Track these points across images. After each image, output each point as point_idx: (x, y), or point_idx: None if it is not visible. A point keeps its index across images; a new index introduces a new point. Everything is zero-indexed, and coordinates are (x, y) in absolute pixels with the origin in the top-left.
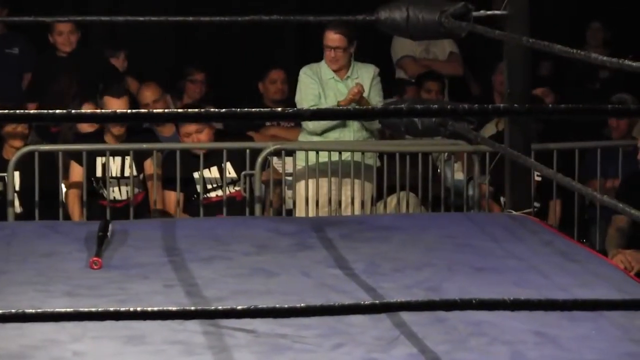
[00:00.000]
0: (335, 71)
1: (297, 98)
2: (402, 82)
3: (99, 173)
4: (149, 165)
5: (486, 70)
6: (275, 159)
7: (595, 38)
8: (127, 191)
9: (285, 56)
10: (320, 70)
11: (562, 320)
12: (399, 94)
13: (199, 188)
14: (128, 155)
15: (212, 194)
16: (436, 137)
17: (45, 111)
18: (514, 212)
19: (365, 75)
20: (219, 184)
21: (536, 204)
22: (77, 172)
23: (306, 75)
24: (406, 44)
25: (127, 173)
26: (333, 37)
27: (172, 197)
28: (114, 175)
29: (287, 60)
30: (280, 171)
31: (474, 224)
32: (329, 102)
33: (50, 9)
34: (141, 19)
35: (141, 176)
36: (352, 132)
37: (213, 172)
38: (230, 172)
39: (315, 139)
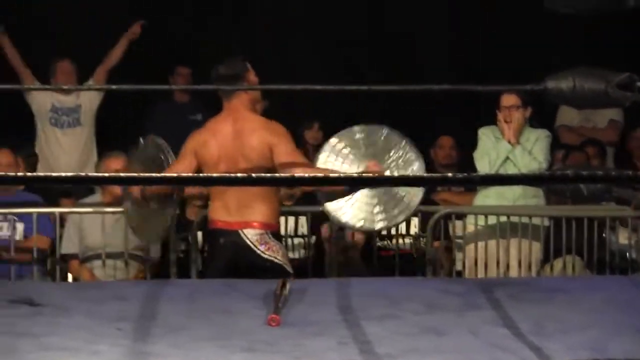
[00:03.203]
0: (508, 132)
1: (476, 154)
2: (566, 147)
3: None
4: (325, 229)
5: None
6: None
7: None
8: (299, 250)
9: (454, 123)
10: (495, 131)
11: None
12: (562, 159)
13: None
14: (302, 215)
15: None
16: (601, 202)
17: (225, 174)
18: None
19: (534, 137)
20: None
21: None
22: None
23: (484, 134)
24: (565, 113)
25: (299, 232)
26: (508, 98)
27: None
28: (289, 233)
29: (455, 127)
30: (451, 234)
31: (638, 287)
32: (499, 162)
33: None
34: (318, 87)
35: (313, 238)
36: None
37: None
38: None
39: (487, 202)
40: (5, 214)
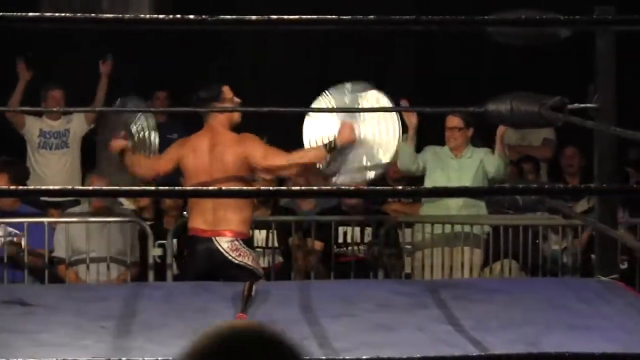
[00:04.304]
0: (453, 150)
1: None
2: None
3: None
4: (293, 240)
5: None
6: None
7: None
8: (269, 260)
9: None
10: (440, 150)
11: None
12: None
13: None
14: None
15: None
16: (535, 212)
17: (200, 188)
18: (602, 278)
19: (478, 155)
20: (355, 242)
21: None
22: None
23: (428, 151)
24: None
25: (270, 244)
26: (452, 120)
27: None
28: (260, 245)
29: None
30: (401, 241)
31: (568, 288)
32: (443, 175)
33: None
34: (283, 109)
35: (283, 248)
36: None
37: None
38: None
39: (433, 212)
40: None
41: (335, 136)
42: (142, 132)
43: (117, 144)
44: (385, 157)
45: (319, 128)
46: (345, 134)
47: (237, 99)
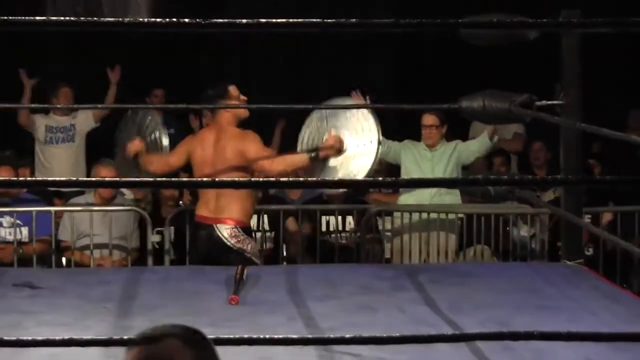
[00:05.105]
0: (429, 146)
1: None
2: None
3: None
4: (289, 224)
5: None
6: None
7: (636, 122)
8: (261, 243)
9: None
10: (417, 145)
11: (608, 350)
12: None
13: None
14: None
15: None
16: (506, 201)
17: (195, 179)
18: (568, 262)
19: (450, 147)
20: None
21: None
22: None
23: (405, 145)
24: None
25: (260, 227)
26: (428, 118)
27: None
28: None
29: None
30: (381, 228)
31: (536, 272)
32: (419, 167)
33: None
34: (271, 106)
35: (273, 233)
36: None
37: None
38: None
39: (410, 201)
40: (10, 213)
41: (319, 146)
42: (153, 134)
43: (134, 147)
44: (360, 174)
45: (312, 135)
46: (330, 147)
47: (243, 97)
